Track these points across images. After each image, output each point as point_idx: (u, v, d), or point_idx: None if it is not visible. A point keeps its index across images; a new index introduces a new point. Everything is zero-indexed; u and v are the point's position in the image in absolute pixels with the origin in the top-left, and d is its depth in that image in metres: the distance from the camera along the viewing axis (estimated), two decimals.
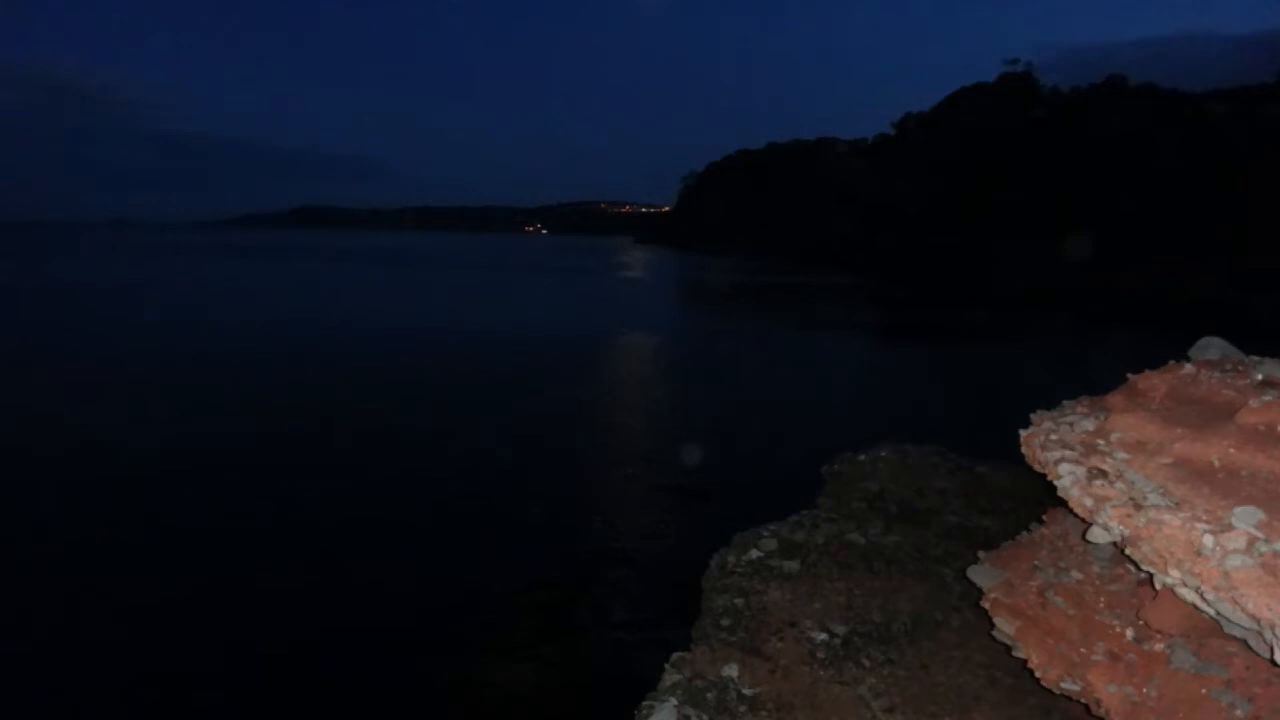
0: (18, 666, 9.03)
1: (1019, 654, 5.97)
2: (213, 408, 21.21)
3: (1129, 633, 5.90)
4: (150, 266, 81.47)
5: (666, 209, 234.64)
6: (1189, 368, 6.47)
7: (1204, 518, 5.22)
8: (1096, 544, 5.99)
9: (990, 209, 68.92)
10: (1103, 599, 6.20)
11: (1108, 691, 5.57)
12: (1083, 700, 5.68)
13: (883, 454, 10.71)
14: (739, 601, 7.53)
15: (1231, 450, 5.55)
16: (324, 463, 15.96)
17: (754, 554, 8.54)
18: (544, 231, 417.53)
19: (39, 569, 11.79)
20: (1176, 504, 5.47)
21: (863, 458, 10.58)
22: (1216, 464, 5.61)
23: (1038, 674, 5.88)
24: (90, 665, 9.03)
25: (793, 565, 8.17)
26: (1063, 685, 5.79)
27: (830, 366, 24.80)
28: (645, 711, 5.93)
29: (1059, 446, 6.40)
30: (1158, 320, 41.23)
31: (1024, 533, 6.72)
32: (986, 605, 6.24)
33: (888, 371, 24.24)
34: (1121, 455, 6.09)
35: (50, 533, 13.70)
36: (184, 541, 13.68)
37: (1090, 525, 5.79)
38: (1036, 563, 6.34)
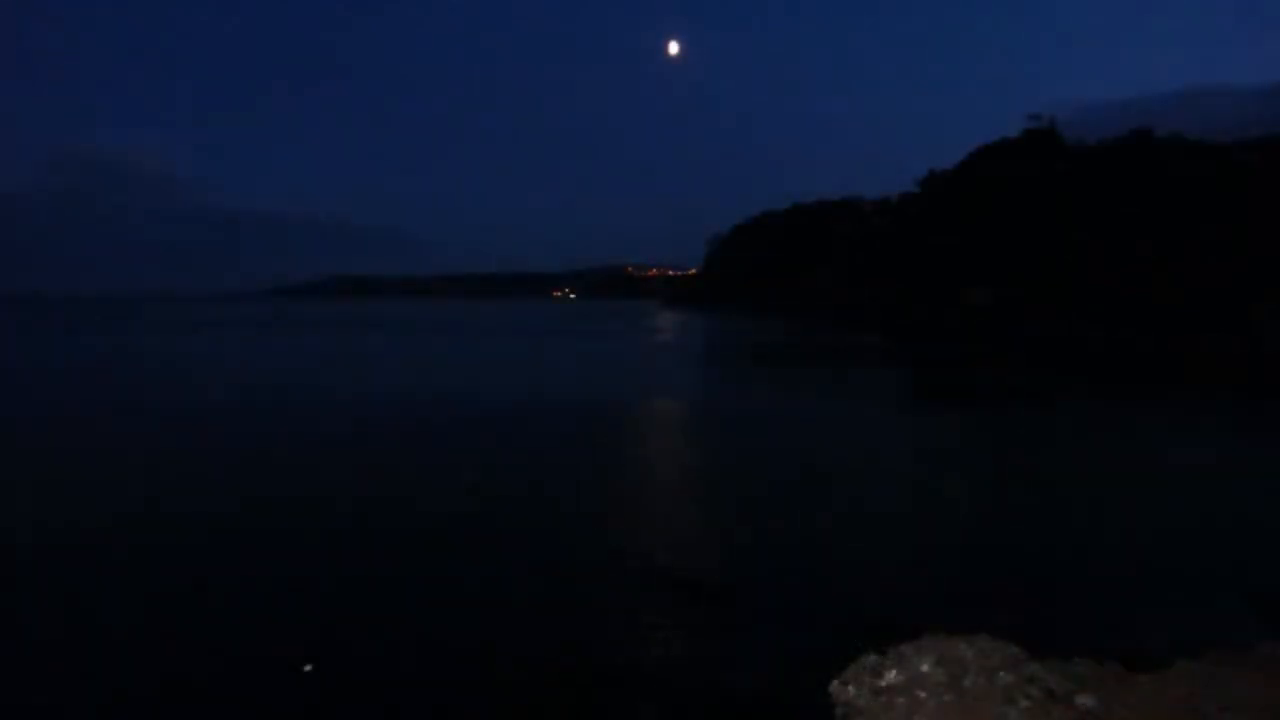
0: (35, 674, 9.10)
1: None
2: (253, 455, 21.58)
3: None
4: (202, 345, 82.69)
5: (693, 271, 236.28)
6: None
7: None
8: None
9: (1021, 264, 68.78)
10: None
11: None
12: None
13: (923, 667, 7.15)
14: None
15: None
16: (332, 510, 16.14)
17: None
18: (572, 296, 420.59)
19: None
20: None
21: (892, 676, 7.05)
22: None
23: None
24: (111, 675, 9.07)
25: None
26: None
27: (861, 445, 24.30)
28: None
29: None
30: (1209, 379, 40.68)
31: None
32: None
33: (921, 451, 23.70)
34: None
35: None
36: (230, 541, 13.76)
37: None
38: None
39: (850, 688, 6.19)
